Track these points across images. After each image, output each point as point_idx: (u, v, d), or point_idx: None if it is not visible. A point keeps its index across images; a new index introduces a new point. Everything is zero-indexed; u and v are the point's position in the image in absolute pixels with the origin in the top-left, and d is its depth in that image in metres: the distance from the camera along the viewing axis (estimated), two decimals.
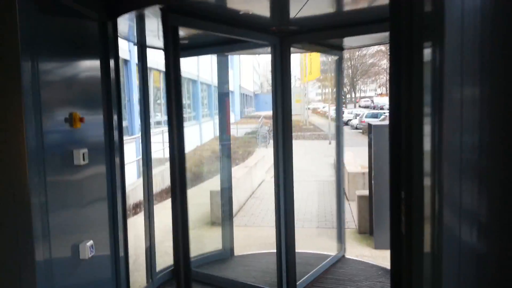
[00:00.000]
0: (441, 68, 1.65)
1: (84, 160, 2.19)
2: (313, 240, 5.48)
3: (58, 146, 2.05)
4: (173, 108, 2.68)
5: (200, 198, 7.91)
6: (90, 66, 2.46)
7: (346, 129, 26.12)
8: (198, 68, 18.15)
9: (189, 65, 15.88)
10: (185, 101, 16.36)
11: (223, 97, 4.55)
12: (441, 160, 1.68)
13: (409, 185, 2.12)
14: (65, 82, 2.17)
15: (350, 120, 29.53)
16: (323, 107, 42.08)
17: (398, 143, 2.20)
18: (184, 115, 15.98)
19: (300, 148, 15.85)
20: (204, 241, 5.25)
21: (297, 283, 3.56)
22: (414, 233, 2.09)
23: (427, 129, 1.87)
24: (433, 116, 1.75)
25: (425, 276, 1.98)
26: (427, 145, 1.90)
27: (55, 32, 2.09)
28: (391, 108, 2.24)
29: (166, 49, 2.66)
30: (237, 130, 21.80)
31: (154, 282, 3.73)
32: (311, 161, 13.11)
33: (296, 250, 3.57)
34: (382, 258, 4.34)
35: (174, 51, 2.68)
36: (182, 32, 3.17)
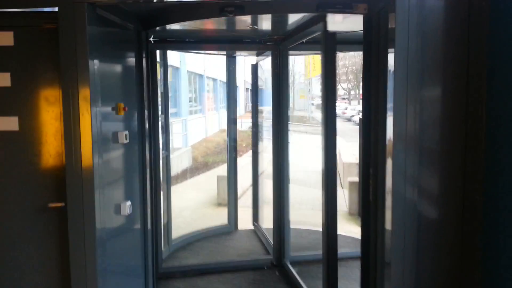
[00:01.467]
0: (398, 71, 2.26)
1: (126, 139, 2.85)
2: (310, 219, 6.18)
3: (108, 129, 2.71)
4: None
5: (207, 184, 8.60)
6: (129, 66, 3.11)
7: (348, 125, 26.71)
8: (204, 63, 18.75)
9: (196, 61, 16.47)
10: (192, 94, 16.92)
11: (231, 92, 5.19)
12: (397, 144, 2.30)
13: (375, 164, 2.78)
14: (113, 78, 2.82)
15: (353, 116, 30.06)
16: None
17: (368, 132, 2.85)
18: (190, 108, 16.53)
19: (303, 142, 16.50)
20: (211, 217, 5.93)
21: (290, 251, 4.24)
22: (379, 200, 2.75)
23: (389, 121, 2.49)
24: (393, 111, 2.35)
25: (385, 228, 2.60)
26: (389, 133, 2.52)
27: (107, 39, 2.73)
28: (364, 105, 2.91)
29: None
30: (241, 123, 22.44)
31: (170, 247, 4.42)
32: (313, 154, 13.75)
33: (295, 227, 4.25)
34: None
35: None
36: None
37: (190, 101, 16.04)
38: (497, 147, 2.12)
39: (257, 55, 4.97)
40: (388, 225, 2.42)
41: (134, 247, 3.18)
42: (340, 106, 37.67)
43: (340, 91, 53.03)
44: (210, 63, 19.11)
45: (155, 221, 3.47)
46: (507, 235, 2.06)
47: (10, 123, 2.48)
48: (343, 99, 50.51)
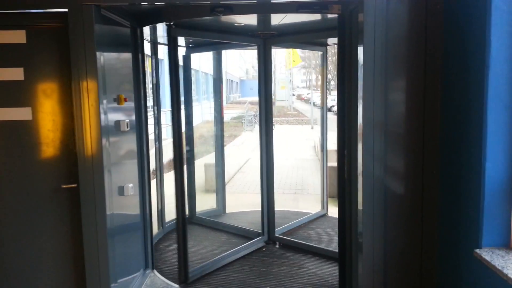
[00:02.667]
0: (366, 64, 2.61)
1: (127, 127, 3.16)
2: (297, 203, 6.61)
3: (112, 118, 3.01)
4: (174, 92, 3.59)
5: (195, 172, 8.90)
6: (127, 59, 3.40)
7: (329, 115, 27.21)
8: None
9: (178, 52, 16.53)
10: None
11: (218, 84, 5.51)
12: (366, 129, 2.67)
13: (349, 146, 3.15)
14: (114, 70, 3.10)
15: (333, 106, 30.63)
16: (307, 94, 43.16)
17: (343, 119, 3.22)
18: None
19: (284, 132, 16.94)
20: (200, 203, 6.26)
21: (275, 230, 4.62)
22: (352, 180, 3.12)
23: (359, 109, 2.83)
24: (362, 100, 2.69)
25: (358, 208, 2.95)
26: (359, 119, 2.85)
27: (109, 36, 3.01)
28: (338, 95, 3.27)
29: (169, 52, 3.60)
30: (224, 114, 22.68)
31: (164, 229, 4.76)
32: (294, 143, 14.19)
33: (282, 209, 4.62)
34: None
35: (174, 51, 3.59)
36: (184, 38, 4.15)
37: None
38: (449, 129, 2.54)
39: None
40: (360, 205, 2.79)
41: (135, 222, 3.52)
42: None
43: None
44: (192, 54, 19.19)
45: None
46: (456, 198, 2.49)
47: (24, 113, 2.77)
48: None
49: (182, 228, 3.58)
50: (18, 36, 2.72)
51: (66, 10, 2.65)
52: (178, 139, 3.54)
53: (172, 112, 3.51)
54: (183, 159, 3.66)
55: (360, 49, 2.64)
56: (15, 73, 2.73)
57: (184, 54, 4.67)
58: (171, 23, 3.43)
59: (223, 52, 5.48)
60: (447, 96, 2.53)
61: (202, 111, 20.25)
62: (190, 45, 4.72)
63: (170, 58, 3.56)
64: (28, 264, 2.87)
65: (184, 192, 3.64)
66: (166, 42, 4.03)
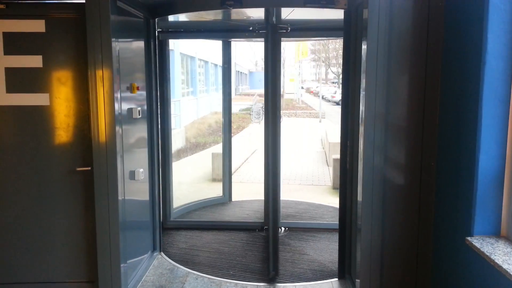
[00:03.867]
0: (369, 59, 2.72)
1: (139, 115, 3.30)
2: (303, 194, 6.74)
3: (125, 105, 3.15)
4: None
5: (200, 162, 9.06)
6: (140, 49, 3.53)
7: (337, 108, 27.29)
8: (195, 46, 18.92)
9: (188, 43, 16.65)
10: (183, 77, 17.15)
11: (227, 76, 5.61)
12: (367, 120, 2.78)
13: (351, 137, 3.26)
14: (127, 60, 3.23)
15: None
16: (316, 87, 43.10)
17: (347, 111, 3.33)
18: (183, 91, 16.73)
19: (292, 124, 17.04)
20: (207, 191, 6.43)
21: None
22: (354, 167, 3.24)
23: (362, 101, 2.93)
24: (365, 93, 2.81)
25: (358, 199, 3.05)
26: (362, 112, 2.95)
27: (123, 27, 3.13)
28: (343, 88, 3.37)
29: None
30: (232, 106, 22.77)
31: (172, 215, 4.92)
32: (302, 136, 14.28)
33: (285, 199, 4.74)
34: None
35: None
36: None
37: (182, 83, 16.30)
38: (447, 122, 2.63)
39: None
40: (360, 197, 2.90)
41: (144, 206, 3.68)
42: (330, 90, 38.16)
43: (330, 75, 53.37)
44: (202, 46, 19.31)
45: (166, 181, 3.99)
46: (451, 189, 2.59)
47: (42, 99, 2.92)
48: (333, 83, 50.91)
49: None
50: (37, 25, 2.86)
51: (83, 1, 2.78)
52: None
53: None
54: None
55: (364, 45, 2.74)
56: (34, 61, 2.88)
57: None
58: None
59: (233, 43, 5.57)
60: (446, 91, 2.62)
61: (211, 102, 20.40)
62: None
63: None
64: (43, 240, 3.05)
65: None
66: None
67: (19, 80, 2.90)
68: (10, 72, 2.89)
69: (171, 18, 4.05)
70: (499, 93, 2.15)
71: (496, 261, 1.96)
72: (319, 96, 24.68)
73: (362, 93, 2.82)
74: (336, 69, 43.83)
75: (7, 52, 2.87)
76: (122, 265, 3.04)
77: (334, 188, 6.51)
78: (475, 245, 2.15)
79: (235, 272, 3.65)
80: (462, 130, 2.38)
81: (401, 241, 2.88)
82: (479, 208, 2.23)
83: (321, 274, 3.63)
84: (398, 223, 2.88)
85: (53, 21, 2.88)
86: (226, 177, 5.67)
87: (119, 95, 2.95)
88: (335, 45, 40.69)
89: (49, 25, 2.87)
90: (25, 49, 2.88)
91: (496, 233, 2.25)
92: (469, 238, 2.23)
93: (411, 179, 2.85)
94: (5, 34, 2.86)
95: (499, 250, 2.08)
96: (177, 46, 14.17)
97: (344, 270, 3.51)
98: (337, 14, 3.32)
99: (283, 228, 4.65)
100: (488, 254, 2.03)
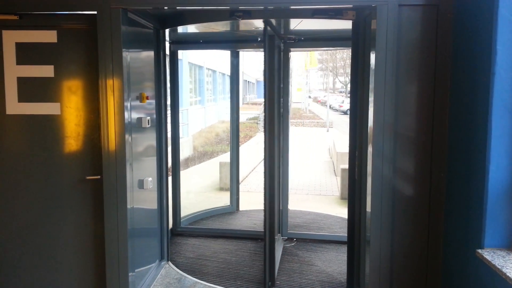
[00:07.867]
0: (377, 69, 2.72)
1: (148, 124, 3.33)
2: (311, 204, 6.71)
3: (134, 114, 3.18)
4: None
5: (207, 171, 9.08)
6: (149, 59, 3.57)
7: (345, 118, 27.24)
8: (203, 55, 19.06)
9: (196, 52, 16.76)
10: (191, 86, 17.25)
11: (235, 85, 5.64)
12: (376, 131, 2.77)
13: (360, 148, 3.25)
14: (137, 69, 3.27)
15: (349, 109, 30.44)
16: (324, 96, 43.09)
17: (355, 121, 3.32)
18: (190, 99, 16.81)
19: (300, 134, 17.03)
20: (214, 200, 6.43)
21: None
22: (362, 178, 3.22)
23: (370, 112, 2.92)
24: (373, 103, 2.80)
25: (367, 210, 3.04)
26: (370, 122, 2.94)
27: (133, 37, 3.17)
28: (351, 98, 3.37)
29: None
30: (240, 115, 22.84)
31: (180, 224, 4.93)
32: (309, 146, 14.25)
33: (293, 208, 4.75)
34: None
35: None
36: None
37: (190, 92, 16.41)
38: (457, 132, 2.62)
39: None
40: (368, 208, 2.89)
41: (152, 215, 3.69)
42: (337, 100, 38.14)
43: (337, 85, 53.35)
44: (210, 55, 19.46)
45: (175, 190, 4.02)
46: (461, 200, 2.56)
47: (53, 108, 2.96)
48: (340, 92, 50.87)
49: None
50: (49, 36, 2.91)
51: (95, 12, 2.83)
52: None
53: None
54: None
55: (373, 55, 2.74)
56: (46, 70, 2.93)
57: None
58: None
59: (241, 53, 5.61)
60: (455, 101, 2.62)
61: (218, 111, 20.47)
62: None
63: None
64: (53, 247, 3.06)
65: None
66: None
67: (31, 90, 2.95)
68: (22, 82, 2.93)
69: (180, 29, 4.10)
70: (509, 104, 2.14)
71: (508, 274, 1.93)
72: (326, 105, 24.66)
73: (371, 103, 2.82)
74: (343, 79, 43.86)
75: (19, 62, 2.92)
76: (130, 274, 3.05)
77: (342, 198, 6.48)
78: (486, 258, 2.12)
79: (242, 283, 3.63)
80: (471, 141, 2.37)
81: (410, 253, 2.86)
82: (489, 220, 2.21)
83: (330, 285, 3.60)
84: (408, 235, 2.86)
85: (65, 32, 2.93)
86: (234, 186, 5.67)
87: (129, 105, 2.98)
88: (343, 55, 40.77)
89: (61, 36, 2.92)
90: (37, 59, 2.93)
91: (507, 246, 2.22)
92: (479, 251, 2.21)
93: (420, 190, 2.83)
94: (17, 45, 2.91)
95: (511, 263, 2.05)
96: (186, 56, 14.30)
97: (352, 282, 3.47)
98: (344, 24, 3.34)
99: (294, 239, 4.63)
100: (499, 267, 2.00)
